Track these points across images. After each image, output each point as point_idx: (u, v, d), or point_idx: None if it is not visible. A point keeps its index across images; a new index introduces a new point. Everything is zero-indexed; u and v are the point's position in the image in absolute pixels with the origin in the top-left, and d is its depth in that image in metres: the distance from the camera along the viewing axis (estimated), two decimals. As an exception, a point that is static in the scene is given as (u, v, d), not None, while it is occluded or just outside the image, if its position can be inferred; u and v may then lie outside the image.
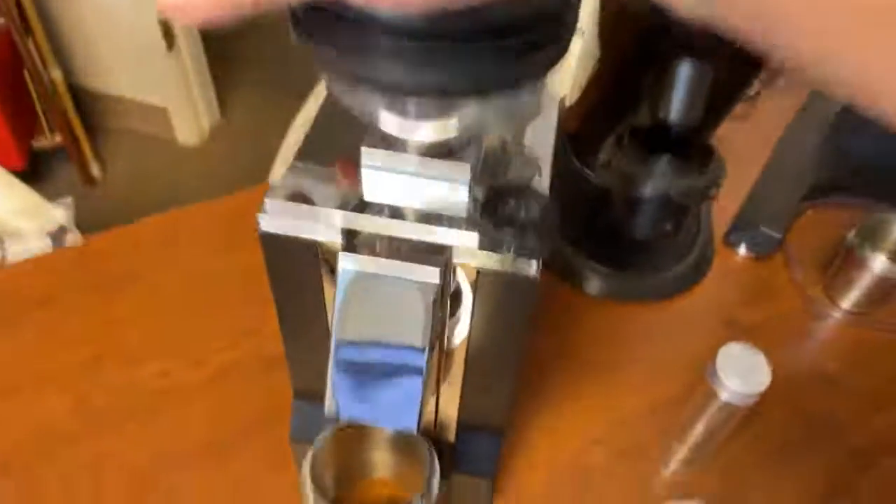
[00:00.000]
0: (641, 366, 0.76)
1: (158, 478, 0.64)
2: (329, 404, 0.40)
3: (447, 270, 0.39)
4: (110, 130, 2.53)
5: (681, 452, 0.69)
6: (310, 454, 0.47)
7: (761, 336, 0.80)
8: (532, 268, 0.39)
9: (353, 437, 0.50)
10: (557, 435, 0.70)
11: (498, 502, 0.65)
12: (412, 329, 0.39)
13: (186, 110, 2.50)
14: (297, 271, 0.43)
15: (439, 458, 0.48)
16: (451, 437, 0.57)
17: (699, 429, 0.65)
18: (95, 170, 2.35)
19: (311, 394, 0.55)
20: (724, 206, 0.90)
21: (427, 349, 0.39)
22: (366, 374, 0.40)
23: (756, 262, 0.88)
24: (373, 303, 0.39)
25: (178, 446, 0.66)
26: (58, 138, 2.24)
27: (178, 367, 0.72)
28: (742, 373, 0.56)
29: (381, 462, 0.53)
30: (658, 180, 0.63)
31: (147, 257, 0.82)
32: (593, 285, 0.81)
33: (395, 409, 0.40)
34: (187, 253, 0.83)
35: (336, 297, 0.38)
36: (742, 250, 0.88)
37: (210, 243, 0.84)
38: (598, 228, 0.80)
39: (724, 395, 0.57)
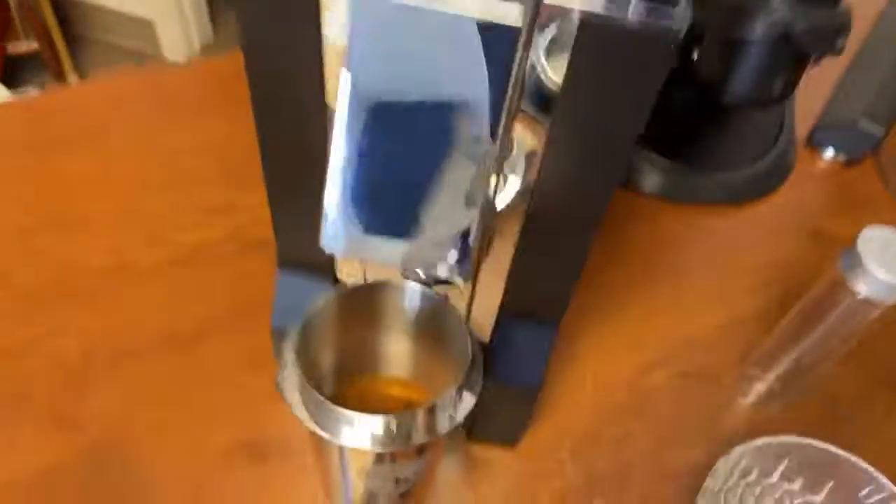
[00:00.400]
0: (711, 278, 0.62)
1: (97, 371, 0.49)
2: (328, 227, 0.25)
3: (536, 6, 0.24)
4: (92, 41, 2.34)
5: (765, 381, 0.55)
6: (297, 327, 0.32)
7: (854, 251, 0.65)
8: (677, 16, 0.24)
9: (358, 309, 0.35)
10: (609, 351, 0.56)
11: (535, 423, 0.51)
12: (471, 101, 0.24)
13: (175, 25, 2.30)
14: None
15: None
16: (486, 334, 0.42)
17: (807, 343, 0.50)
18: (73, 81, 2.16)
19: (302, 261, 0.40)
20: (805, 105, 0.74)
21: (498, 129, 0.23)
22: (391, 175, 0.25)
23: (843, 168, 0.73)
24: (404, 54, 0.23)
25: (128, 337, 0.51)
26: (34, 45, 2.05)
27: (131, 246, 0.56)
28: (889, 263, 0.41)
29: (395, 352, 0.38)
30: (777, 13, 0.47)
31: (103, 118, 0.66)
32: (651, 182, 0.66)
33: (432, 238, 0.25)
34: (153, 118, 0.67)
35: (349, 35, 0.23)
36: (828, 153, 0.73)
37: (180, 109, 0.68)
38: (666, 102, 0.64)
39: (862, 290, 0.42)
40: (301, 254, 0.39)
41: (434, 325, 0.35)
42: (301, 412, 0.31)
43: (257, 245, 0.56)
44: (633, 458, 0.50)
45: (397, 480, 0.34)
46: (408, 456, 0.33)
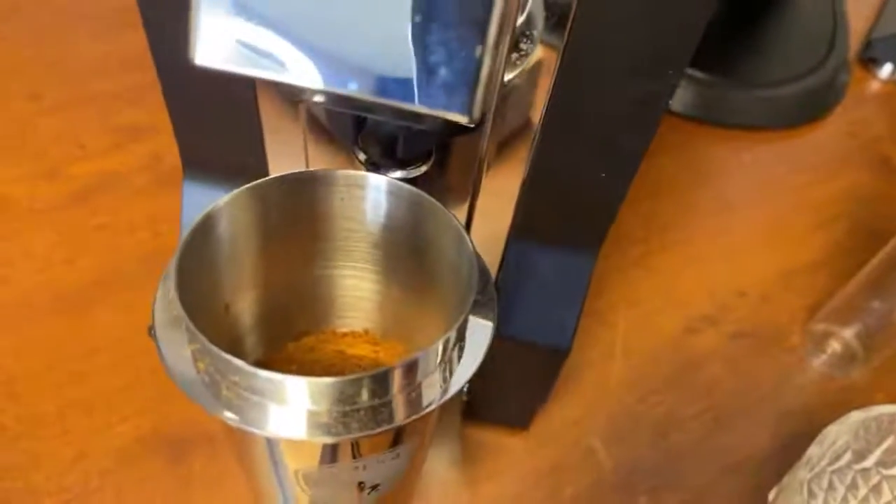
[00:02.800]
0: (762, 216, 0.49)
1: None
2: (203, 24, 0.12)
3: None
4: None
5: (841, 339, 0.43)
6: (182, 242, 0.19)
7: (929, 182, 0.53)
8: None
9: (289, 219, 0.22)
10: (644, 306, 0.43)
11: (553, 399, 0.38)
12: None
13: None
14: None
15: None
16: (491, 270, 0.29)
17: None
18: None
19: (215, 158, 0.27)
20: (855, 20, 0.62)
21: None
22: None
23: (905, 88, 0.61)
24: None
25: (5, 294, 0.38)
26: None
27: (18, 179, 0.43)
28: None
29: (354, 291, 0.25)
30: None
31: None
32: (683, 99, 0.53)
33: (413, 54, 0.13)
34: (52, 24, 0.53)
35: None
36: (885, 71, 0.60)
37: (92, 16, 0.54)
38: None
39: None
40: (212, 146, 0.26)
41: (415, 243, 0.22)
42: (189, 385, 0.18)
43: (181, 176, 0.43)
44: (682, 443, 0.38)
45: (361, 486, 0.21)
46: (376, 447, 0.20)
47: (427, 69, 0.15)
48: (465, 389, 0.19)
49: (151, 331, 0.19)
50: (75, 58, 0.50)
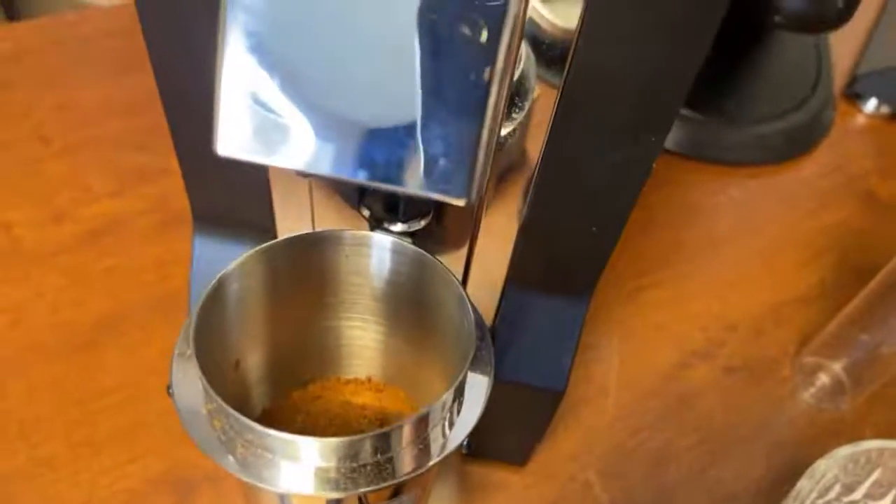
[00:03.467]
0: (751, 251, 0.51)
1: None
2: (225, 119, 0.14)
3: None
4: None
5: (830, 371, 0.44)
6: (198, 304, 0.20)
7: (914, 216, 0.55)
8: None
9: (298, 275, 0.23)
10: (638, 342, 0.44)
11: (549, 435, 0.39)
12: None
13: None
14: None
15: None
16: (487, 317, 0.31)
17: (891, 324, 0.39)
18: None
19: (225, 216, 0.28)
20: (838, 55, 0.64)
21: None
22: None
23: (887, 122, 0.62)
24: None
25: (17, 334, 0.39)
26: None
27: (27, 222, 0.44)
28: None
29: (359, 342, 0.26)
30: None
31: (3, 70, 0.53)
32: (673, 137, 0.55)
33: (411, 150, 0.14)
34: (63, 69, 0.54)
35: None
36: (870, 105, 0.62)
37: (96, 60, 0.56)
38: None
39: None
40: (223, 202, 0.27)
41: (416, 298, 0.23)
42: (206, 441, 0.19)
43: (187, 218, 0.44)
44: (676, 476, 0.39)
45: (367, 534, 0.22)
46: (380, 498, 0.21)
47: (428, 158, 0.16)
48: (465, 443, 0.20)
49: (170, 390, 0.20)
50: (82, 101, 0.52)
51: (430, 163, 0.16)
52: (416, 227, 0.27)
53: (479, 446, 0.37)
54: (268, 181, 0.26)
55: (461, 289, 0.21)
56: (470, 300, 0.21)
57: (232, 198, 0.27)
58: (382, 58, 0.16)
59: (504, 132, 0.25)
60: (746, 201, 0.54)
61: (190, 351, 0.19)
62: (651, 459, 0.39)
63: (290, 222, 0.28)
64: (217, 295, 0.21)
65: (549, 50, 0.21)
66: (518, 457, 0.37)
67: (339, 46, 0.16)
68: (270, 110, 0.16)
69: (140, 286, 0.42)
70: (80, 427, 0.37)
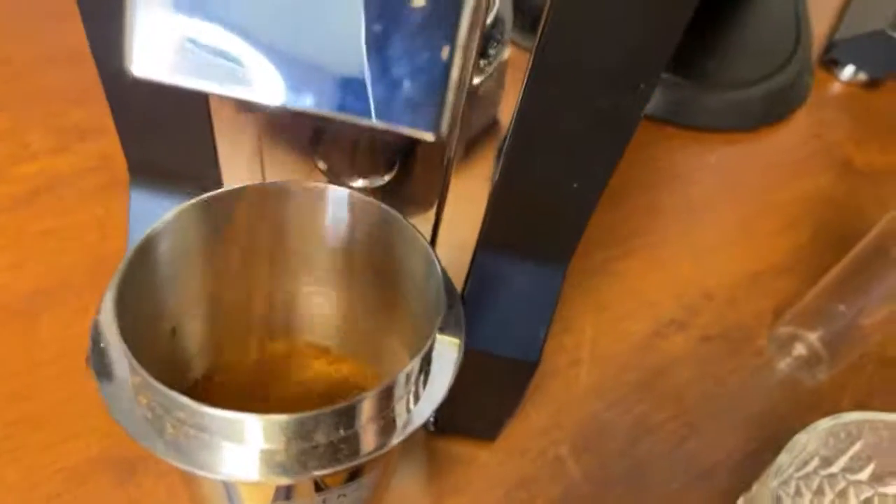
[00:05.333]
0: (728, 218, 0.49)
1: None
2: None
3: None
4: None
5: (806, 342, 0.43)
6: (122, 264, 0.17)
7: (889, 183, 0.54)
8: None
9: (241, 232, 0.20)
10: (611, 311, 0.43)
11: (521, 414, 0.37)
12: None
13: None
14: None
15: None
16: (457, 284, 0.28)
17: (871, 296, 0.38)
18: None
19: (162, 165, 0.25)
20: (817, 26, 0.62)
21: None
22: None
23: (864, 90, 0.61)
24: None
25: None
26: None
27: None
28: None
29: (313, 306, 0.23)
30: None
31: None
32: (651, 101, 0.52)
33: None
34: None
35: None
36: (847, 72, 0.61)
37: (38, 12, 0.51)
38: None
39: None
40: (161, 151, 0.24)
41: (378, 258, 0.21)
42: (132, 422, 0.16)
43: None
44: (651, 450, 0.38)
45: (323, 520, 0.20)
46: (337, 481, 0.19)
47: (390, 83, 0.13)
48: (431, 419, 0.18)
49: (88, 361, 0.17)
50: (18, 54, 0.48)
51: (393, 89, 0.13)
52: (380, 184, 0.24)
53: (447, 421, 0.35)
54: (210, 127, 0.23)
55: (428, 246, 0.19)
56: (438, 259, 0.19)
57: (171, 148, 0.24)
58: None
59: (476, 81, 0.22)
60: (722, 167, 0.53)
61: (114, 320, 0.16)
62: (625, 433, 0.38)
63: (239, 176, 0.25)
64: (145, 254, 0.18)
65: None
66: (488, 432, 0.36)
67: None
68: (199, 18, 0.13)
69: (80, 249, 0.38)
70: (16, 402, 0.34)
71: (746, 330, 0.43)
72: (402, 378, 0.17)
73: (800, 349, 0.43)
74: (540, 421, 0.37)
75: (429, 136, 0.14)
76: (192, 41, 0.13)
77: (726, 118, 0.55)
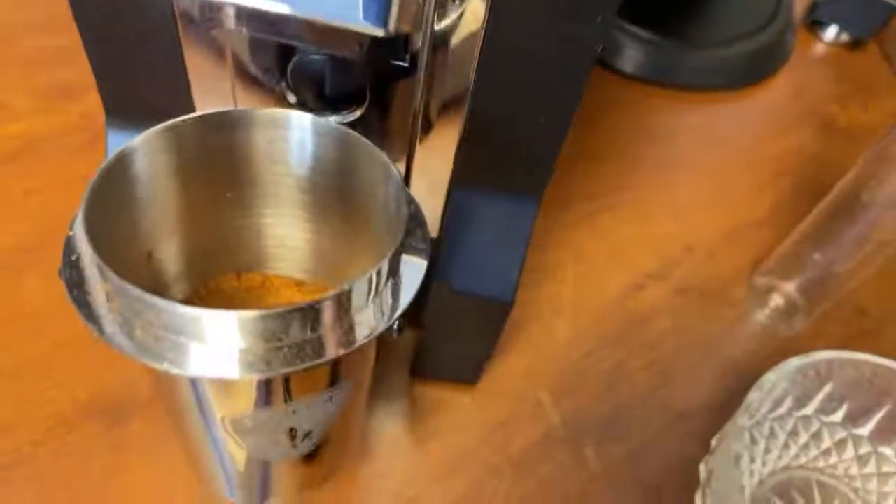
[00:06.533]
0: (708, 174, 0.50)
1: None
2: None
3: None
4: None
5: (783, 292, 0.43)
6: (92, 182, 0.18)
7: (870, 140, 0.54)
8: None
9: (208, 159, 0.21)
10: (591, 263, 0.43)
11: (501, 355, 0.38)
12: None
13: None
14: None
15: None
16: (433, 225, 0.29)
17: (844, 243, 0.39)
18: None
19: (139, 103, 0.26)
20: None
21: None
22: None
23: (846, 51, 0.62)
24: None
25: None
26: None
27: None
28: None
29: (280, 235, 0.24)
30: None
31: None
32: (633, 59, 0.53)
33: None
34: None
35: None
36: (830, 32, 0.61)
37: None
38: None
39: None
40: (135, 89, 0.25)
41: (344, 184, 0.21)
42: (100, 326, 0.17)
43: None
44: (628, 395, 0.38)
45: (293, 433, 0.21)
46: (307, 388, 0.20)
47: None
48: (395, 327, 0.19)
49: (60, 273, 0.18)
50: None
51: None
52: (350, 118, 0.25)
53: (428, 365, 0.36)
54: (182, 61, 0.23)
55: (389, 162, 0.19)
56: (400, 176, 0.19)
57: (145, 85, 0.25)
58: None
59: (442, 24, 0.22)
60: (705, 126, 0.53)
61: (82, 225, 0.17)
62: (603, 379, 0.38)
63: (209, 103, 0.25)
64: (117, 171, 0.19)
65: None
66: (469, 376, 0.36)
67: None
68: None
69: (63, 208, 0.39)
70: None
71: (724, 282, 0.44)
72: (362, 283, 0.18)
73: (776, 299, 0.44)
74: (520, 366, 0.38)
75: (379, 32, 0.15)
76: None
77: (708, 77, 0.55)
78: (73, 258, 0.18)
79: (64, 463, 0.32)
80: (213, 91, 0.25)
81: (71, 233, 0.19)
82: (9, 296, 0.36)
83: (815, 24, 0.62)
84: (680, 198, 0.48)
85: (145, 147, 0.19)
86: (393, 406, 0.36)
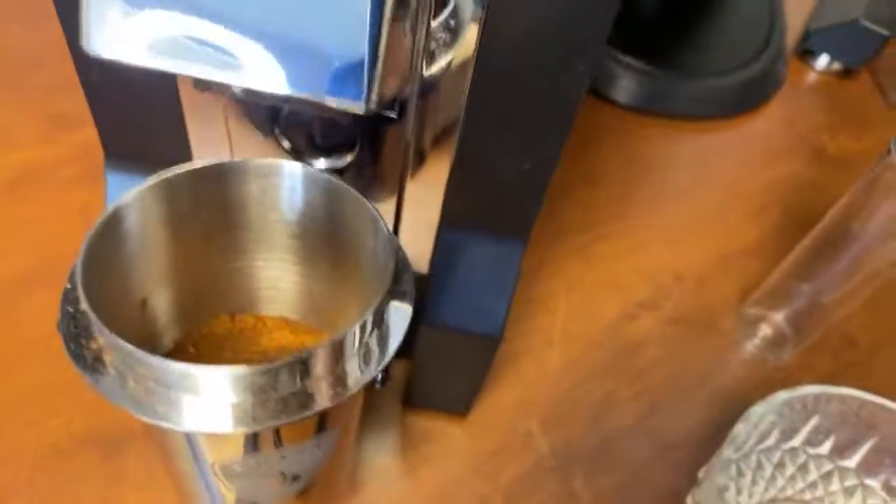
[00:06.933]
0: (700, 204, 0.51)
1: None
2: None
3: None
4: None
5: (772, 322, 0.44)
6: (89, 236, 0.19)
7: (860, 169, 0.55)
8: None
9: (204, 209, 0.22)
10: (583, 293, 0.44)
11: (492, 386, 0.39)
12: None
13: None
14: None
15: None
16: (424, 264, 0.30)
17: (831, 274, 0.39)
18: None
19: (137, 147, 0.26)
20: (792, 16, 0.63)
21: None
22: None
23: (838, 79, 0.62)
24: None
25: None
26: None
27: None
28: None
29: (274, 279, 0.25)
30: None
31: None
32: (627, 90, 0.54)
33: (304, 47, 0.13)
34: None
35: None
36: (822, 61, 0.62)
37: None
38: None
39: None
40: (135, 135, 0.26)
41: (333, 230, 0.22)
42: (95, 377, 0.17)
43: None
44: (618, 426, 0.39)
45: (283, 476, 0.21)
46: (296, 437, 0.20)
47: (317, 55, 0.14)
48: (378, 378, 0.19)
49: (59, 326, 0.18)
50: (6, 48, 0.49)
51: (319, 61, 0.15)
52: (341, 164, 0.26)
53: (420, 395, 0.36)
54: (180, 110, 0.24)
55: (375, 211, 0.20)
56: (385, 223, 0.20)
57: (144, 130, 0.26)
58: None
59: (432, 70, 0.23)
60: (697, 155, 0.54)
61: (78, 282, 0.18)
62: (592, 410, 0.39)
63: (208, 157, 0.26)
64: (112, 226, 0.19)
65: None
66: (459, 406, 0.37)
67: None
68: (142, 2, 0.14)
69: (62, 237, 0.39)
70: (0, 383, 0.35)
71: (714, 311, 0.45)
72: (354, 332, 0.18)
73: (765, 329, 0.44)
74: (511, 398, 0.39)
75: (359, 109, 0.15)
76: (142, 20, 0.14)
77: (702, 106, 0.56)
78: (71, 310, 0.19)
79: (60, 491, 0.32)
80: (209, 138, 0.25)
81: (68, 286, 0.19)
82: (6, 325, 0.37)
83: (806, 53, 0.62)
84: (672, 227, 0.48)
85: (139, 202, 0.20)
86: (385, 435, 0.36)
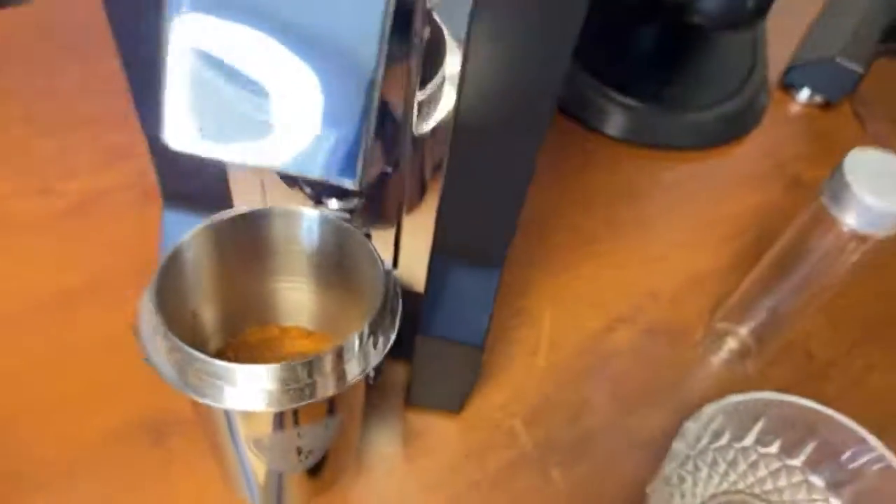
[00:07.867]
0: (679, 228, 0.56)
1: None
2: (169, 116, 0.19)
3: None
4: None
5: (737, 336, 0.49)
6: (159, 267, 0.25)
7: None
8: None
9: (241, 244, 0.28)
10: (566, 307, 0.50)
11: (483, 388, 0.45)
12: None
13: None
14: None
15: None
16: (420, 284, 0.36)
17: (784, 290, 0.45)
18: None
19: (190, 193, 0.33)
20: (776, 50, 0.69)
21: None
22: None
23: (819, 111, 0.67)
24: None
25: (4, 298, 0.44)
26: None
27: (18, 195, 0.49)
28: (881, 188, 0.35)
29: (294, 298, 0.31)
30: None
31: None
32: (615, 123, 0.60)
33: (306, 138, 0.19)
34: (45, 54, 0.59)
35: None
36: (803, 94, 0.67)
37: (76, 45, 0.60)
38: (628, 35, 0.58)
39: (850, 221, 0.36)
40: (187, 184, 0.32)
41: (339, 260, 0.28)
42: (165, 368, 0.24)
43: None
44: (593, 425, 0.45)
45: (299, 451, 0.28)
46: (310, 418, 0.27)
47: (318, 145, 0.21)
48: (371, 375, 0.26)
49: (134, 331, 0.25)
50: (64, 83, 0.56)
51: (321, 149, 0.21)
52: (352, 206, 0.32)
53: (418, 395, 0.42)
54: (225, 167, 0.31)
55: (375, 251, 0.26)
56: (380, 257, 0.26)
57: (195, 180, 0.32)
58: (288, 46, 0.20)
59: (424, 128, 0.29)
60: (679, 184, 0.59)
61: (149, 306, 0.24)
62: (571, 410, 0.45)
63: (245, 200, 0.33)
64: (174, 260, 0.26)
65: None
66: (453, 405, 0.43)
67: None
68: (213, 102, 0.20)
69: (114, 258, 0.46)
70: (63, 380, 0.41)
71: (686, 325, 0.50)
72: (349, 343, 0.24)
73: (731, 343, 0.50)
74: (499, 398, 0.45)
75: (350, 184, 0.21)
76: (212, 119, 0.21)
77: (685, 138, 0.61)
78: (142, 323, 0.25)
79: (119, 466, 0.39)
80: (246, 188, 0.32)
81: (138, 303, 0.26)
82: (67, 331, 0.43)
83: (789, 87, 0.68)
84: (649, 249, 0.54)
85: (194, 241, 0.26)
86: (388, 429, 0.42)
